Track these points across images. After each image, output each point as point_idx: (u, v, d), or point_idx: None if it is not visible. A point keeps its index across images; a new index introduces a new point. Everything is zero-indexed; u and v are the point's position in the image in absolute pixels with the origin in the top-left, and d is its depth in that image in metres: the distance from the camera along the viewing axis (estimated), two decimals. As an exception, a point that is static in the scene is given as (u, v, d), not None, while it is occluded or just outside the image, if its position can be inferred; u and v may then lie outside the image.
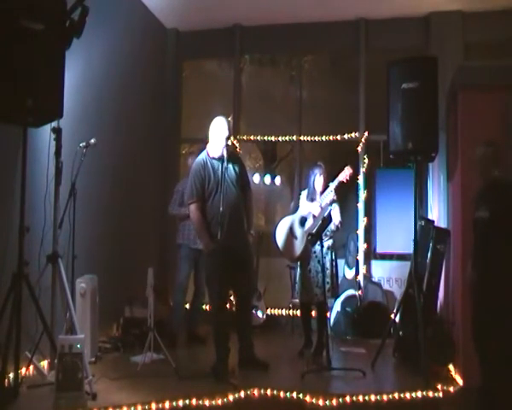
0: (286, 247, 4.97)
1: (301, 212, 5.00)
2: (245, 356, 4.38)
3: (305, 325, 5.12)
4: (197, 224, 4.34)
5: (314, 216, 4.86)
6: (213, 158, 4.36)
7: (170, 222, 5.79)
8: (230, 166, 4.36)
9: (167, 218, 5.71)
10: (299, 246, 4.90)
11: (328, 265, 4.79)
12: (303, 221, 4.94)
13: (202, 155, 4.42)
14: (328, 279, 4.75)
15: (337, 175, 4.88)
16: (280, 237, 5.00)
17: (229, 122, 4.45)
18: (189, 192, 4.39)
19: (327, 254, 4.80)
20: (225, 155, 4.29)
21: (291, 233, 4.97)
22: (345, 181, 4.88)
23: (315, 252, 4.86)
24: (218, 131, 4.33)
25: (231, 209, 4.26)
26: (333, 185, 4.86)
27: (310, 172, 5.08)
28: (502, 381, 3.44)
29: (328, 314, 5.04)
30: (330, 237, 4.88)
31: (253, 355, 4.40)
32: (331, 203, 4.86)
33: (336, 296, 5.57)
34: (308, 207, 4.95)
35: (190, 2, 6.25)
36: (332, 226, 4.77)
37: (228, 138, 4.35)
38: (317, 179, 4.99)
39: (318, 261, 4.82)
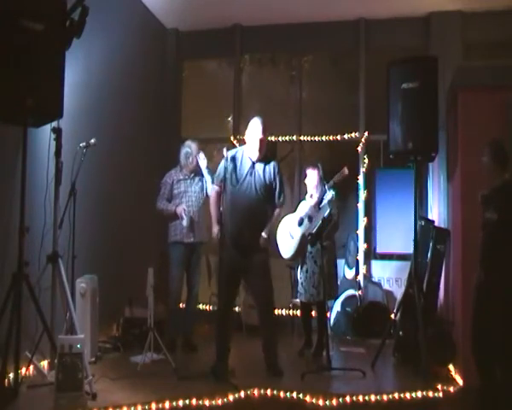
0: (282, 246, 5.03)
1: (299, 212, 5.01)
2: (266, 363, 4.33)
3: (305, 324, 5.12)
4: (211, 205, 4.46)
5: (310, 217, 4.87)
6: (248, 156, 4.35)
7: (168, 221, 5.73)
8: (260, 170, 4.31)
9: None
10: (294, 246, 4.92)
11: (325, 265, 4.79)
12: (300, 222, 4.95)
13: (241, 148, 4.46)
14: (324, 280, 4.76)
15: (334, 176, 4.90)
16: (279, 236, 5.06)
17: (263, 122, 4.32)
18: (216, 173, 4.47)
19: (324, 254, 4.81)
20: (255, 157, 4.27)
21: (289, 233, 4.98)
22: (338, 182, 4.87)
23: (311, 252, 4.87)
24: (251, 133, 4.32)
25: (244, 212, 4.23)
26: (328, 186, 4.86)
27: None
28: (502, 381, 3.45)
29: (328, 314, 5.04)
30: (328, 238, 4.87)
31: (269, 362, 4.32)
32: (329, 203, 4.85)
33: (336, 297, 5.57)
34: (305, 208, 4.95)
35: (190, 2, 6.25)
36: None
37: (261, 141, 4.27)
38: (307, 176, 5.03)
39: (315, 262, 4.84)
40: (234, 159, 4.34)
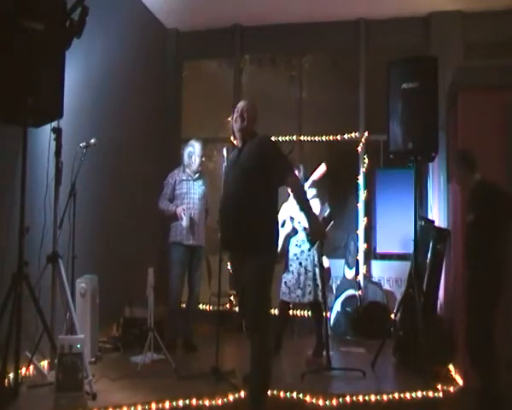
0: None
1: (282, 215, 5.00)
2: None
3: (279, 324, 5.11)
4: None
5: (292, 218, 4.87)
6: (236, 147, 3.71)
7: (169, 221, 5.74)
8: (248, 152, 3.45)
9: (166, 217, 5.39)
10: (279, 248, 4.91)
11: (310, 267, 4.81)
12: (283, 224, 4.94)
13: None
14: (309, 282, 4.79)
15: (312, 173, 4.90)
16: None
17: (247, 104, 3.59)
18: None
19: (309, 256, 4.82)
20: (239, 139, 3.54)
21: None
22: (318, 180, 4.89)
23: (296, 254, 4.88)
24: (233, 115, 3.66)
25: (230, 210, 3.43)
26: (307, 185, 4.85)
27: None
28: (496, 381, 3.46)
29: (325, 314, 4.99)
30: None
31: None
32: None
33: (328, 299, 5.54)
34: (287, 209, 4.95)
35: (190, 2, 6.26)
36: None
37: (240, 114, 3.49)
38: None
39: (300, 263, 4.85)
40: (227, 156, 3.90)
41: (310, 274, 4.80)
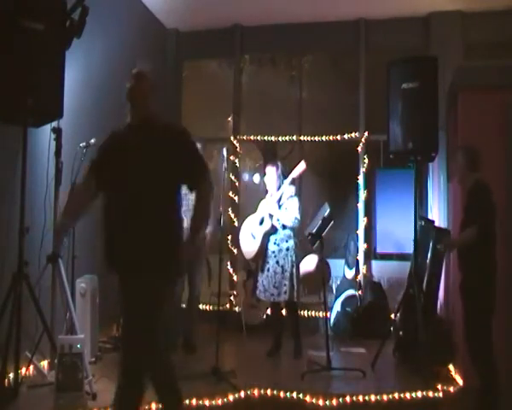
0: (245, 248, 5.05)
1: (260, 212, 5.00)
2: None
3: (273, 324, 5.10)
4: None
5: (271, 215, 4.85)
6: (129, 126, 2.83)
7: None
8: (148, 140, 2.73)
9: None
10: (257, 246, 4.91)
11: (287, 266, 4.78)
12: (261, 221, 4.94)
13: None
14: (286, 281, 4.75)
15: (292, 170, 4.89)
16: (241, 238, 5.09)
17: (143, 70, 2.78)
18: None
19: (286, 255, 4.80)
20: (131, 117, 2.81)
21: (251, 234, 5.00)
22: (297, 177, 4.92)
23: (274, 252, 4.86)
24: None
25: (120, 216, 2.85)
26: (287, 182, 4.85)
27: None
28: (496, 381, 3.47)
29: (325, 314, 4.96)
30: (290, 237, 4.84)
31: None
32: (289, 198, 4.85)
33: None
34: (265, 207, 4.94)
35: (190, 2, 6.26)
36: (288, 223, 4.77)
37: (137, 93, 2.73)
38: (266, 178, 5.00)
39: (277, 262, 4.83)
40: (110, 139, 2.94)
41: (287, 274, 4.75)
